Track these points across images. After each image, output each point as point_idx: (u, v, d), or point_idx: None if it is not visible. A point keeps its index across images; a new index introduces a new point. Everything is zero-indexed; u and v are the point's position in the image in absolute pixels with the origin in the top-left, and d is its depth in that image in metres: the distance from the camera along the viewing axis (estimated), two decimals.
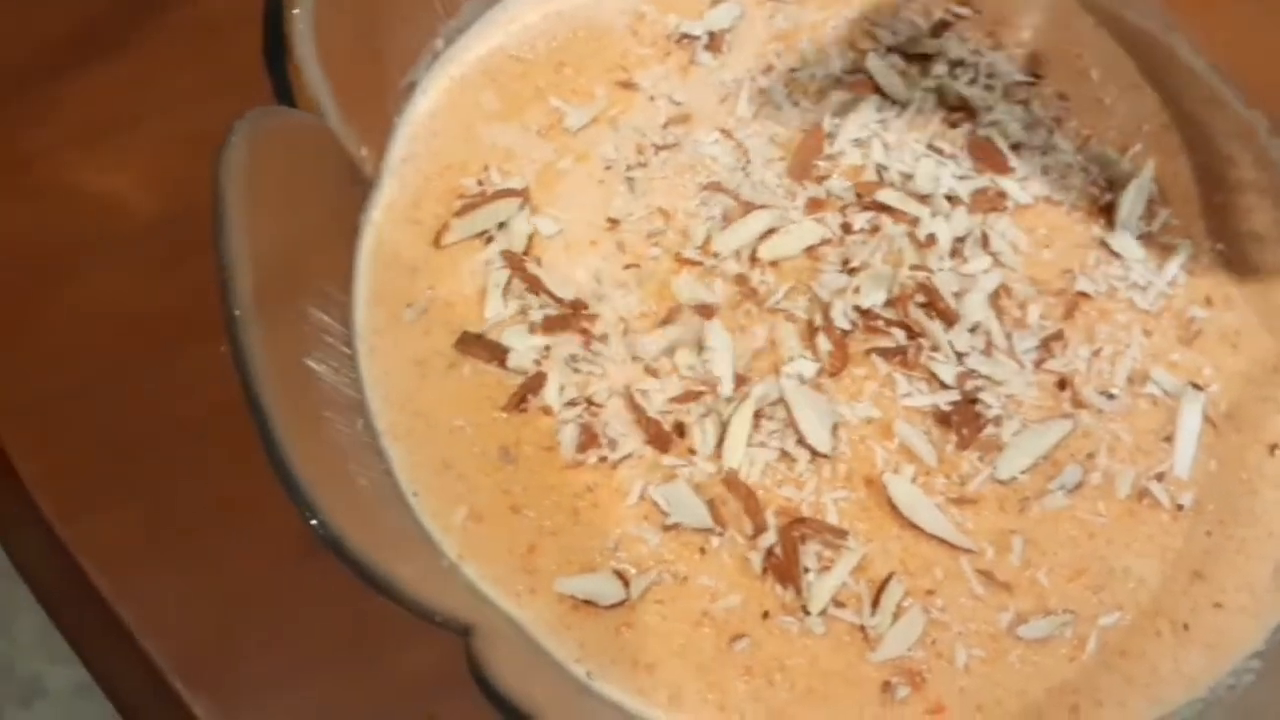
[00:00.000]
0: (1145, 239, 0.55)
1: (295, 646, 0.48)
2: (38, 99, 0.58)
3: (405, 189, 0.54)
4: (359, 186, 0.53)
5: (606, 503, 0.49)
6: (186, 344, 0.51)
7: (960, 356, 0.51)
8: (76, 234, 0.56)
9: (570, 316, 0.51)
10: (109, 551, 0.50)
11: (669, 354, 0.51)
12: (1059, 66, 0.59)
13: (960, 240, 0.53)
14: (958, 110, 0.56)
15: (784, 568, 0.47)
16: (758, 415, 0.50)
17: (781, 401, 0.50)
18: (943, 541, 0.48)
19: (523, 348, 0.51)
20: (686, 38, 0.58)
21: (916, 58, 0.58)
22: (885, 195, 0.54)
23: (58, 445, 0.52)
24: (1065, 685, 0.47)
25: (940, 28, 0.59)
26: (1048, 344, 0.52)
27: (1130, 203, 0.55)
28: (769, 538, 0.48)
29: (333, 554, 0.39)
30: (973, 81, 0.57)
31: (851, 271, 0.52)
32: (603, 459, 0.49)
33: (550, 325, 0.51)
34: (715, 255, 0.53)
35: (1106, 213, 0.55)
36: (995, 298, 0.52)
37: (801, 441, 0.49)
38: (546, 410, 0.50)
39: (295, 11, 0.47)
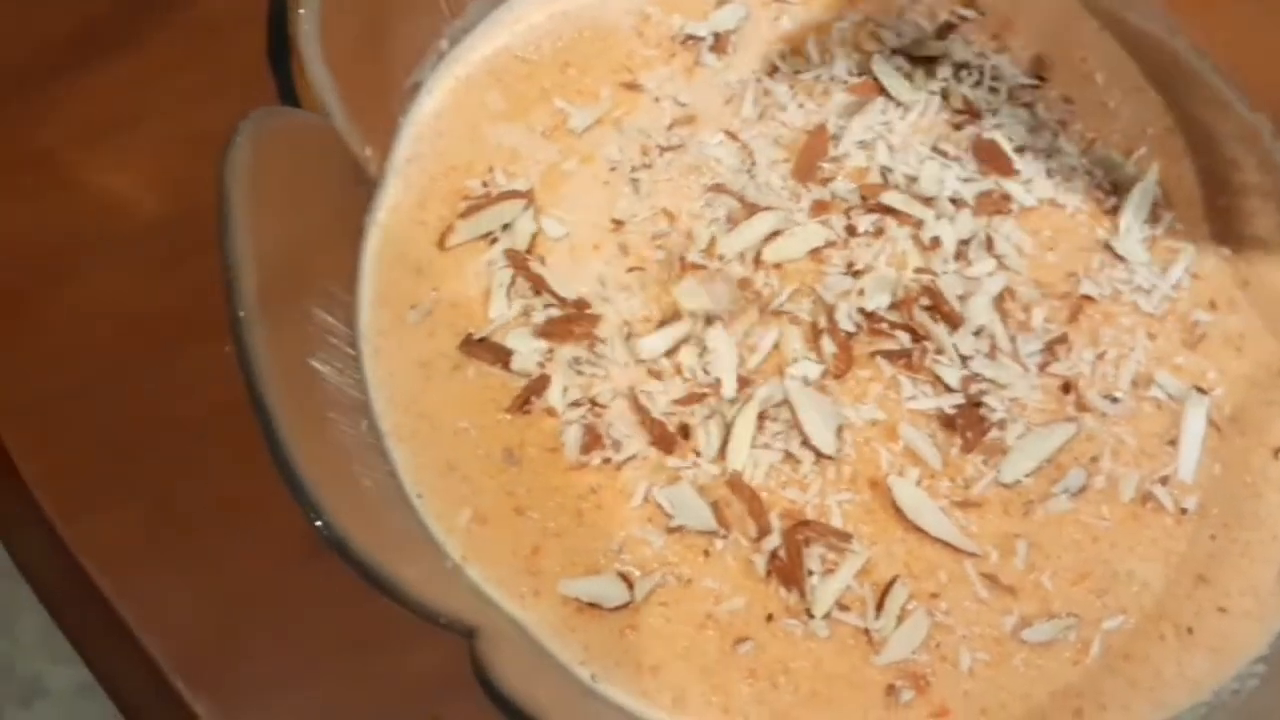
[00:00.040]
0: (1149, 242, 0.54)
1: (298, 647, 0.48)
2: (39, 99, 0.58)
3: (410, 190, 0.54)
4: (364, 187, 0.53)
5: (610, 505, 0.49)
6: (188, 344, 0.51)
7: (965, 359, 0.51)
8: (78, 233, 0.56)
9: (574, 317, 0.51)
10: (111, 551, 0.49)
11: (671, 356, 0.51)
12: (1063, 70, 0.59)
13: (965, 243, 0.53)
14: (962, 113, 0.56)
15: (788, 570, 0.47)
16: (762, 417, 0.50)
17: (786, 403, 0.50)
18: (947, 545, 0.48)
19: (527, 350, 0.51)
20: (691, 39, 0.58)
21: (921, 60, 0.58)
22: (890, 197, 0.54)
23: (59, 445, 0.52)
24: (1069, 689, 0.47)
25: (945, 30, 0.59)
26: (1052, 347, 0.52)
27: (1135, 206, 0.55)
28: (773, 540, 0.48)
29: (337, 555, 0.39)
30: (977, 84, 0.57)
31: (856, 274, 0.52)
32: (606, 461, 0.49)
33: (554, 326, 0.51)
34: (720, 258, 0.53)
35: (1111, 216, 0.55)
36: (1000, 301, 0.52)
37: (806, 443, 0.49)
38: (550, 412, 0.50)
39: (301, 11, 0.47)
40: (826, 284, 0.52)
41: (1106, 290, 0.53)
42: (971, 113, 0.56)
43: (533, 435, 0.50)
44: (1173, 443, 0.51)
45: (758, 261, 0.53)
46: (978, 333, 0.51)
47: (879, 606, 0.47)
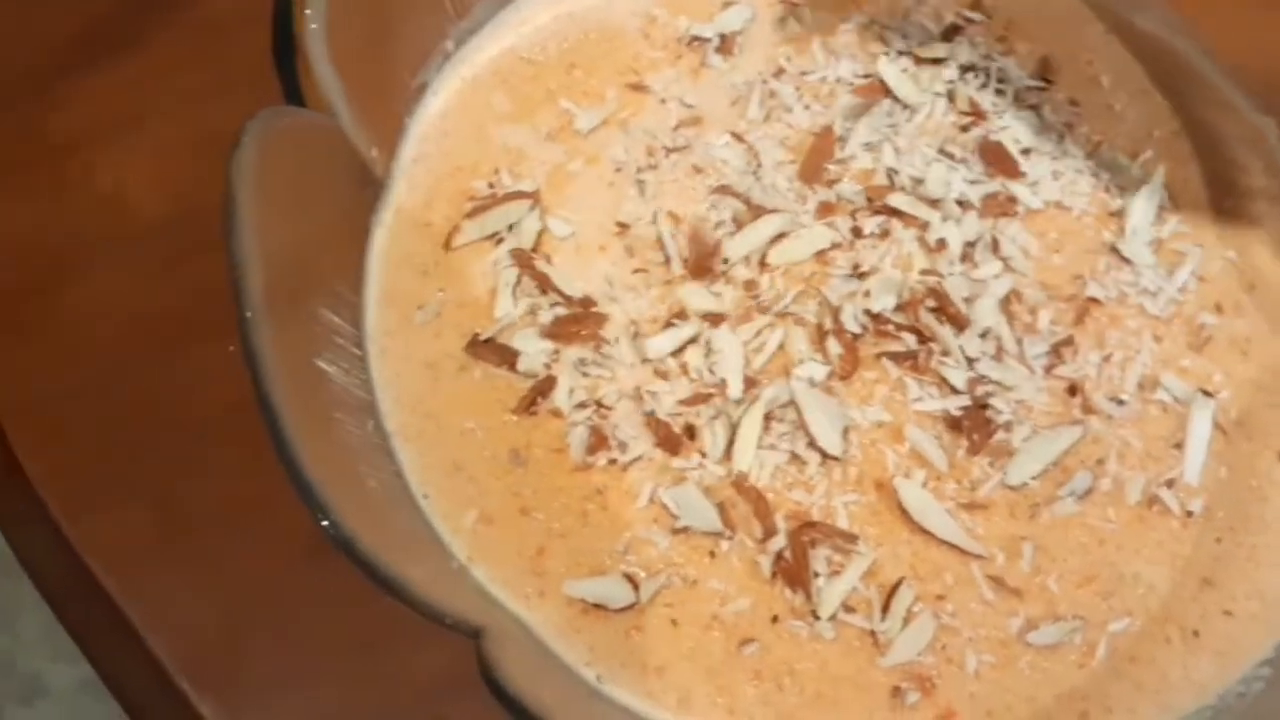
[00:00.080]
0: (1155, 245, 0.54)
1: (303, 647, 0.48)
2: (43, 99, 0.58)
3: (416, 190, 0.54)
4: (370, 187, 0.53)
5: (616, 505, 0.49)
6: (192, 343, 0.51)
7: (971, 362, 0.51)
8: (82, 233, 0.56)
9: (580, 316, 0.51)
10: (115, 550, 0.50)
11: (678, 356, 0.51)
12: (1069, 72, 0.58)
13: (971, 245, 0.53)
14: (969, 115, 0.56)
15: (794, 572, 0.47)
16: (768, 418, 0.50)
17: (792, 404, 0.50)
18: (953, 547, 0.48)
19: (533, 351, 0.51)
20: (697, 40, 0.58)
21: (928, 62, 0.57)
22: (896, 199, 0.53)
23: (64, 444, 0.52)
24: (1075, 691, 0.47)
25: (951, 32, 0.59)
26: (1058, 350, 0.52)
27: (1141, 209, 0.55)
28: (779, 541, 0.48)
29: (344, 555, 0.39)
30: (984, 86, 0.57)
31: (862, 276, 0.52)
32: (612, 461, 0.49)
33: (560, 326, 0.51)
34: (725, 260, 0.53)
35: (1117, 219, 0.55)
36: (1006, 303, 0.52)
37: (812, 444, 0.49)
38: (556, 413, 0.50)
39: (308, 11, 0.47)
40: (832, 286, 0.52)
41: (1112, 293, 0.53)
42: (978, 115, 0.56)
43: (539, 436, 0.50)
44: (1178, 446, 0.51)
45: (763, 263, 0.53)
46: (984, 335, 0.51)
47: (885, 608, 0.47)
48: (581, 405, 0.50)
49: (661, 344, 0.51)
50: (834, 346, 0.51)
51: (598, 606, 0.47)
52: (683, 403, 0.50)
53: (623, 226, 0.54)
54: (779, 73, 0.58)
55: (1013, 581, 0.48)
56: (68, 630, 0.50)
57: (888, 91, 0.57)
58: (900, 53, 0.58)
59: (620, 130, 0.56)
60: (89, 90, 0.58)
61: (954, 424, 0.50)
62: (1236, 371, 0.52)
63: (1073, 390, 0.51)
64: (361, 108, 0.50)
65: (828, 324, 0.51)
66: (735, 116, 0.57)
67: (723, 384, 0.50)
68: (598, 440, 0.49)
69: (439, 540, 0.48)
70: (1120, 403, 0.51)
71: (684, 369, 0.51)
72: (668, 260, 0.53)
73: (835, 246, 0.53)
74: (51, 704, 1.02)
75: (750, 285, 0.52)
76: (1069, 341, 0.52)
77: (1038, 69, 0.58)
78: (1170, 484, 0.50)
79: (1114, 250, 0.54)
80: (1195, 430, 0.51)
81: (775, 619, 0.47)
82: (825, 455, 0.49)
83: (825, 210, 0.54)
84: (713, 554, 0.48)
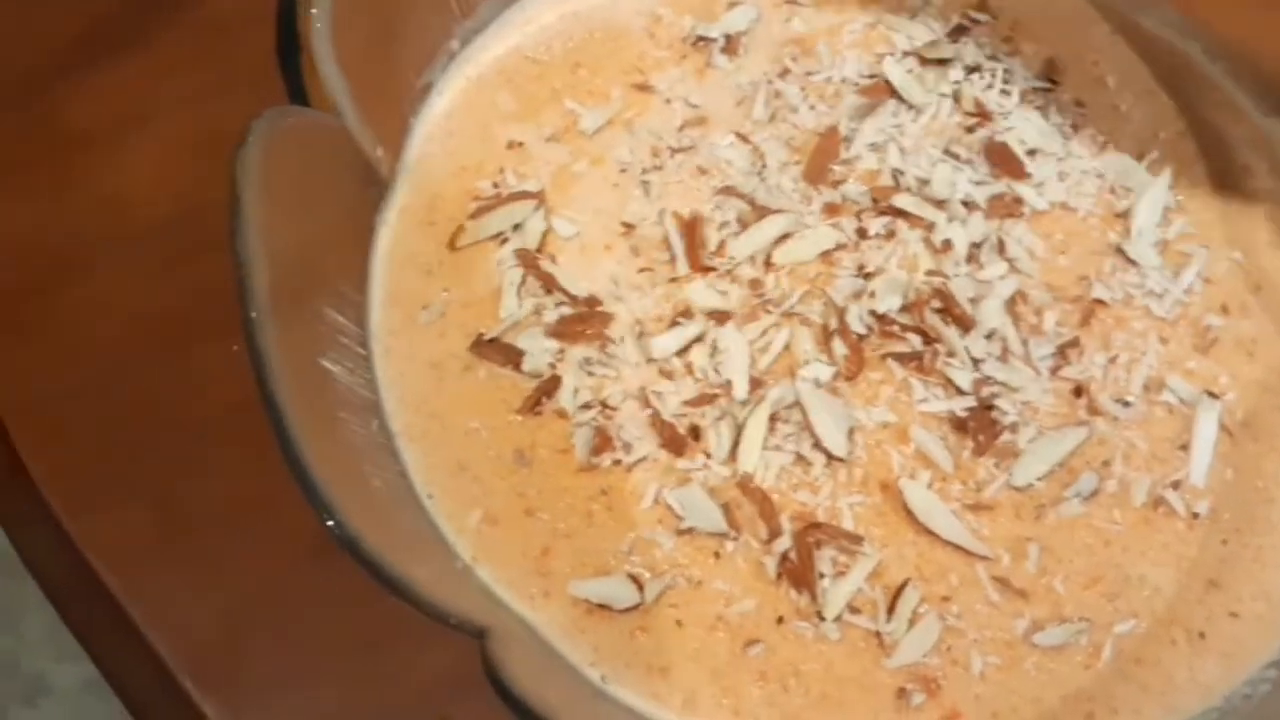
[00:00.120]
0: (1161, 246, 0.54)
1: (306, 646, 0.48)
2: (47, 98, 0.58)
3: (421, 190, 0.54)
4: (374, 187, 0.53)
5: (621, 506, 0.49)
6: (195, 343, 0.51)
7: (976, 363, 0.50)
8: (86, 233, 0.56)
9: (586, 316, 0.51)
10: (118, 549, 0.49)
11: (683, 355, 0.51)
12: (1075, 73, 0.58)
13: (976, 246, 0.53)
14: (974, 115, 0.56)
15: (799, 573, 0.47)
16: (773, 419, 0.49)
17: (797, 405, 0.50)
18: (958, 548, 0.48)
19: (538, 351, 0.51)
20: (702, 40, 0.58)
21: (933, 62, 0.57)
22: (901, 200, 0.53)
23: (67, 443, 0.52)
24: (1080, 693, 0.46)
25: (957, 32, 0.59)
26: (1064, 351, 0.51)
27: (1146, 210, 0.54)
28: (784, 542, 0.48)
29: (348, 555, 0.39)
30: (989, 87, 0.57)
31: (867, 276, 0.52)
32: (617, 462, 0.49)
33: (565, 326, 0.51)
34: (730, 259, 0.53)
35: (1123, 220, 0.55)
36: (1011, 304, 0.52)
37: (817, 445, 0.49)
38: (561, 413, 0.50)
39: (313, 11, 0.47)
40: (837, 286, 0.52)
41: (1118, 294, 0.53)
42: (983, 115, 0.56)
43: (543, 436, 0.50)
44: (1184, 447, 0.51)
45: (768, 264, 0.53)
46: (989, 336, 0.51)
47: (890, 609, 0.47)
48: (586, 405, 0.50)
49: (667, 343, 0.51)
50: (839, 347, 0.51)
51: (602, 607, 0.47)
52: (688, 403, 0.50)
53: (628, 226, 0.54)
54: (784, 73, 0.58)
55: (1018, 583, 0.48)
56: (71, 630, 0.50)
57: (893, 92, 0.57)
58: (906, 53, 0.58)
59: (625, 131, 0.56)
60: (92, 90, 0.58)
61: (959, 425, 0.50)
62: (1242, 373, 0.52)
63: (1078, 392, 0.51)
64: (366, 107, 0.50)
65: (833, 324, 0.51)
66: (740, 117, 0.57)
67: (728, 385, 0.50)
68: (602, 441, 0.49)
69: (443, 540, 0.48)
70: (1126, 404, 0.51)
71: (689, 369, 0.51)
72: (673, 259, 0.53)
73: (840, 247, 0.53)
74: (55, 703, 1.02)
75: (755, 284, 0.52)
76: (1074, 343, 0.52)
77: (1043, 70, 0.58)
78: (1176, 486, 0.50)
79: (1120, 251, 0.54)
80: (1201, 432, 0.51)
81: (780, 620, 0.47)
82: (830, 456, 0.49)
83: (830, 211, 0.54)
84: (718, 555, 0.48)
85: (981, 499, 0.49)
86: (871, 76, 0.57)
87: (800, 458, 0.49)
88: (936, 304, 0.51)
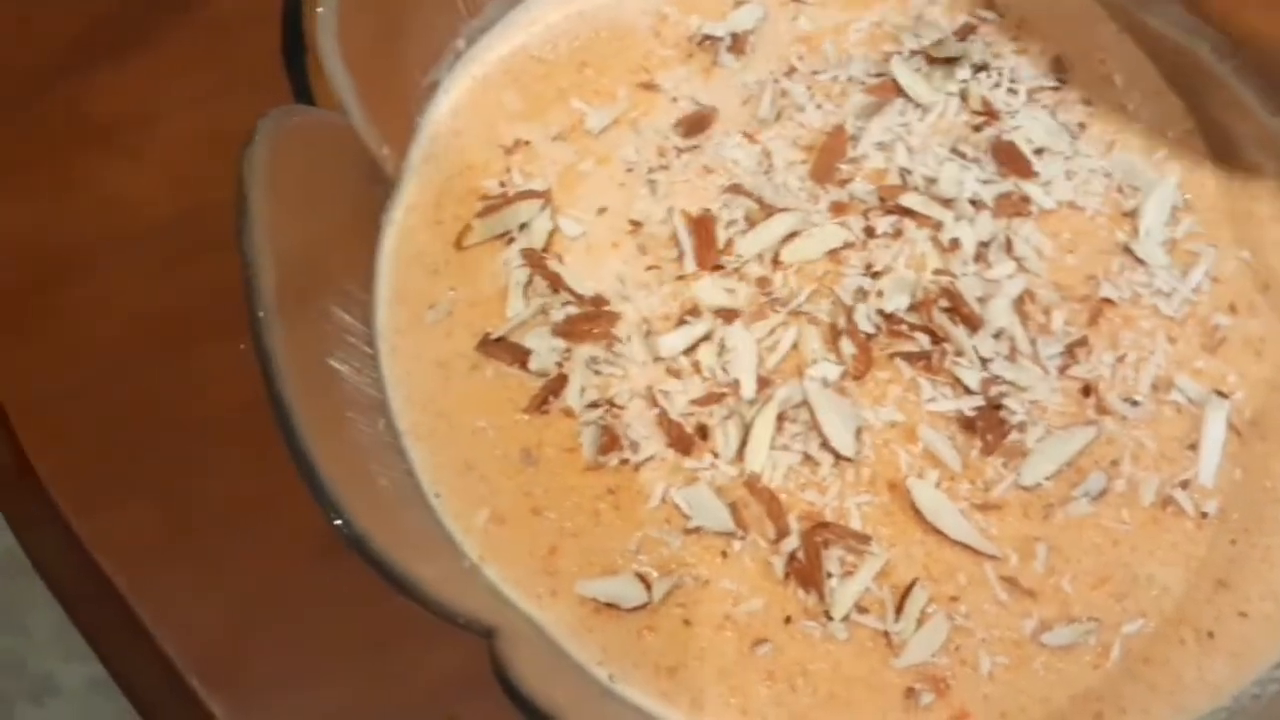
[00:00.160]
0: (1169, 245, 0.54)
1: (314, 646, 0.48)
2: (53, 97, 0.58)
3: (427, 189, 0.54)
4: (380, 186, 0.53)
5: (628, 505, 0.49)
6: (201, 342, 0.51)
7: (984, 362, 0.50)
8: (93, 232, 0.56)
9: (592, 315, 0.51)
10: (126, 548, 0.49)
11: (690, 354, 0.51)
12: (1083, 71, 0.58)
13: (984, 245, 0.53)
14: (982, 114, 0.56)
15: (806, 572, 0.47)
16: (781, 418, 0.49)
17: (805, 404, 0.49)
18: (967, 548, 0.48)
19: (544, 350, 0.51)
20: (709, 39, 0.58)
21: (940, 61, 0.57)
22: (909, 199, 0.53)
23: (74, 441, 0.52)
24: (1089, 693, 0.46)
25: (965, 31, 0.58)
26: (1072, 350, 0.51)
27: (1154, 209, 0.54)
28: (791, 542, 0.48)
29: (355, 554, 0.39)
30: (997, 85, 0.57)
31: (875, 275, 0.52)
32: (624, 461, 0.49)
33: (572, 325, 0.51)
34: (737, 258, 0.53)
35: (1130, 219, 0.55)
36: (1019, 303, 0.52)
37: (825, 445, 0.49)
38: (568, 412, 0.50)
39: (320, 10, 0.47)
40: (845, 285, 0.52)
41: (1126, 293, 0.53)
42: (991, 114, 0.56)
43: (550, 435, 0.50)
44: (1193, 447, 0.50)
45: (775, 262, 0.53)
46: (997, 335, 0.51)
47: (898, 609, 0.47)
48: (593, 404, 0.50)
49: (674, 341, 0.51)
50: (847, 346, 0.51)
51: (610, 606, 0.47)
52: (695, 402, 0.50)
53: (635, 224, 0.54)
54: (791, 72, 0.58)
55: (1026, 582, 0.48)
56: (78, 629, 0.50)
57: (900, 91, 0.57)
58: (913, 52, 0.58)
59: (631, 130, 0.56)
60: (96, 89, 0.58)
61: (967, 424, 0.50)
62: (1251, 372, 0.52)
63: (1087, 391, 0.51)
64: (372, 106, 0.50)
65: (841, 324, 0.51)
66: (747, 116, 0.57)
67: (735, 384, 0.50)
68: (610, 440, 0.49)
69: (450, 539, 0.48)
70: (1134, 404, 0.51)
71: (696, 368, 0.51)
72: (680, 257, 0.53)
73: (848, 246, 0.53)
74: (63, 703, 1.02)
75: (763, 282, 0.52)
76: (1083, 342, 0.52)
77: (1051, 68, 0.58)
78: (1185, 485, 0.50)
79: (1128, 251, 0.54)
80: (1209, 431, 0.50)
81: (788, 620, 0.47)
82: (838, 456, 0.49)
83: (838, 210, 0.54)
84: (725, 554, 0.48)
85: (989, 498, 0.49)
86: (878, 75, 0.57)
87: (808, 457, 0.49)
88: (944, 303, 0.51)
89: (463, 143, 0.56)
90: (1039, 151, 0.56)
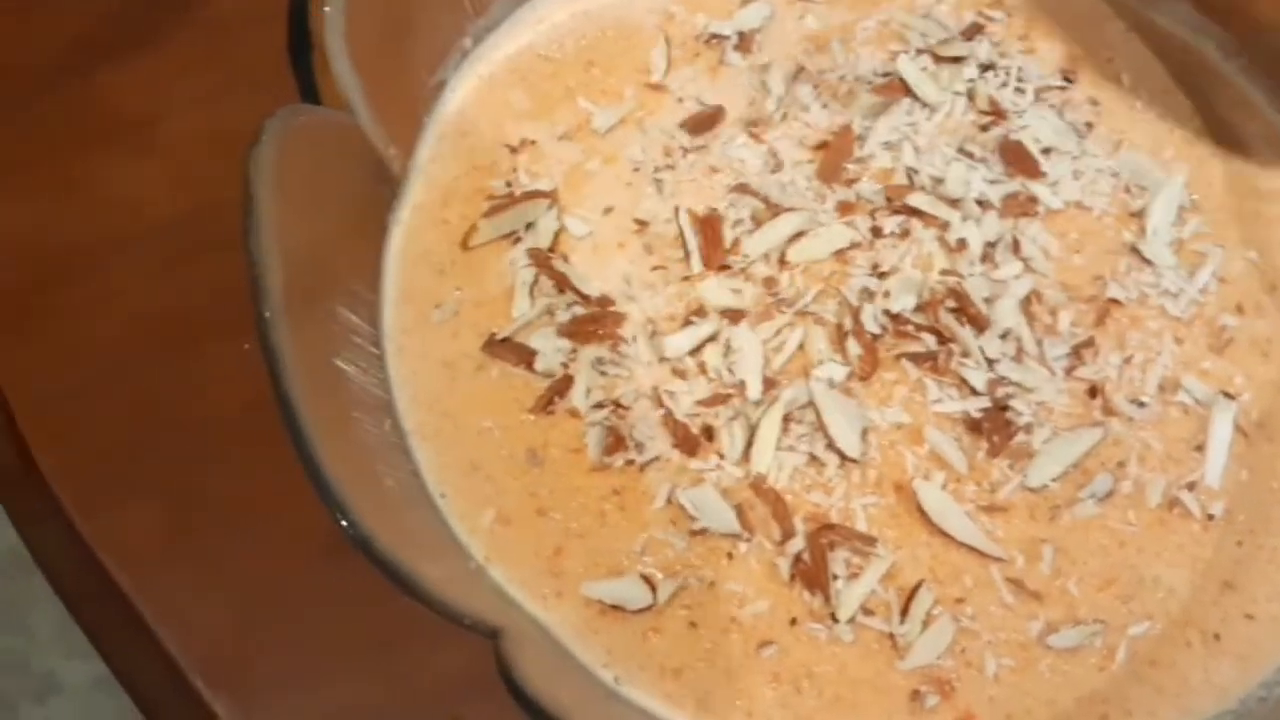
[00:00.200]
0: (1176, 246, 0.54)
1: (318, 646, 0.48)
2: (58, 97, 0.58)
3: (433, 189, 0.54)
4: (387, 185, 0.53)
5: (633, 506, 0.49)
6: (206, 341, 0.51)
7: (991, 363, 0.50)
8: (95, 231, 0.56)
9: (598, 316, 0.51)
10: (130, 547, 0.49)
11: (696, 355, 0.51)
12: (1090, 71, 0.58)
13: (991, 245, 0.53)
14: (989, 114, 0.56)
15: (812, 574, 0.47)
16: (786, 419, 0.49)
17: (811, 405, 0.49)
18: (973, 549, 0.48)
19: (550, 350, 0.50)
20: (716, 38, 0.58)
21: (947, 60, 0.57)
22: (916, 199, 0.53)
23: (79, 440, 0.52)
24: (1095, 695, 0.46)
25: (972, 30, 0.58)
26: (1079, 351, 0.51)
27: (1162, 209, 0.54)
28: (797, 544, 0.47)
29: (361, 554, 0.39)
30: (1004, 85, 0.57)
31: (881, 275, 0.52)
32: (630, 462, 0.49)
33: (578, 325, 0.51)
34: (744, 257, 0.52)
35: (1137, 219, 0.55)
36: (1026, 304, 0.52)
37: (831, 446, 0.49)
38: (574, 413, 0.50)
39: (326, 9, 0.46)
40: (851, 285, 0.52)
41: (1133, 294, 0.53)
42: (998, 114, 0.56)
43: (556, 436, 0.50)
44: (1199, 448, 0.50)
45: (782, 262, 0.53)
46: (1004, 336, 0.51)
47: (904, 611, 0.47)
48: (599, 405, 0.50)
49: (680, 342, 0.51)
50: (853, 347, 0.51)
51: (615, 608, 0.47)
52: (701, 403, 0.50)
53: (641, 224, 0.54)
54: (798, 71, 0.57)
55: (1032, 584, 0.48)
56: (81, 627, 0.50)
57: (907, 90, 0.56)
58: (920, 51, 0.58)
59: (638, 129, 0.56)
60: (101, 89, 0.58)
61: (974, 426, 0.50)
62: (1258, 373, 0.52)
63: (1093, 392, 0.51)
64: (379, 105, 0.50)
65: (847, 324, 0.51)
66: (754, 115, 0.56)
67: (741, 385, 0.50)
68: (615, 441, 0.49)
69: (456, 540, 0.48)
70: (1141, 405, 0.51)
71: (702, 368, 0.51)
72: (686, 256, 0.53)
73: (855, 246, 0.53)
74: (65, 701, 1.02)
75: (770, 282, 0.52)
76: (1089, 343, 0.51)
77: (1058, 68, 0.58)
78: (1191, 487, 0.50)
79: (1135, 251, 0.54)
80: (1216, 433, 0.50)
81: (794, 621, 0.47)
82: (844, 457, 0.49)
83: (844, 209, 0.54)
84: (731, 556, 0.48)
85: (996, 500, 0.49)
86: (885, 75, 0.57)
87: (814, 458, 0.49)
88: (951, 303, 0.51)
89: (469, 142, 0.55)
90: (1046, 151, 0.55)
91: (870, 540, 0.48)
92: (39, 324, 0.54)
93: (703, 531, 0.48)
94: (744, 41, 0.58)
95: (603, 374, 0.50)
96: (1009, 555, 0.48)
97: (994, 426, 0.49)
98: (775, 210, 0.53)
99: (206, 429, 0.51)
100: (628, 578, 0.47)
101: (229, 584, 0.49)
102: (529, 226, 0.53)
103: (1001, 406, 0.50)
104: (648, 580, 0.47)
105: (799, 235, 0.53)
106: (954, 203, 0.53)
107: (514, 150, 0.55)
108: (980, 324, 0.51)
